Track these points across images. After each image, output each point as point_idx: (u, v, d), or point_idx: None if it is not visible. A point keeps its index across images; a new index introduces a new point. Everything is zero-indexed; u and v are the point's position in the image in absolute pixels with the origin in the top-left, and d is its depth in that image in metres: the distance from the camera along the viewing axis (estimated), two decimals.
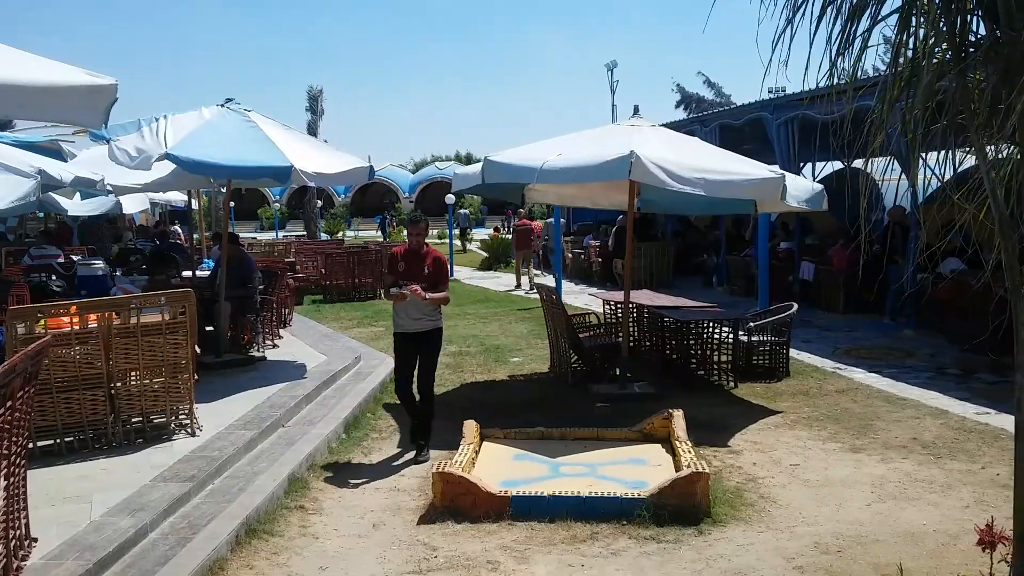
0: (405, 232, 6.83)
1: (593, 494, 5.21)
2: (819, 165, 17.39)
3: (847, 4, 2.73)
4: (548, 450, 6.24)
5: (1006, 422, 6.84)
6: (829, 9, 2.82)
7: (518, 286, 18.63)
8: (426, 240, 6.62)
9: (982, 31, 2.80)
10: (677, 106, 56.48)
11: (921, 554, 4.59)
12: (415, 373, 6.52)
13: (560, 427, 6.68)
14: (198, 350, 7.72)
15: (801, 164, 14.17)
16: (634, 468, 5.91)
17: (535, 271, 19.08)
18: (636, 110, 8.74)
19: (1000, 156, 2.94)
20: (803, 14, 2.83)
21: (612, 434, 6.57)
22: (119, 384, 6.08)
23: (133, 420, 6.21)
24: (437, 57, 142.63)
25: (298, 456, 6.09)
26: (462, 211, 34.81)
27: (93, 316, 5.98)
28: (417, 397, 6.52)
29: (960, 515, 5.13)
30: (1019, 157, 2.79)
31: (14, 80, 3.50)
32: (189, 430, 6.38)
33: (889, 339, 11.17)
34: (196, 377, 6.68)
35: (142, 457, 5.82)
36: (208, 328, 9.10)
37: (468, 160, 65.02)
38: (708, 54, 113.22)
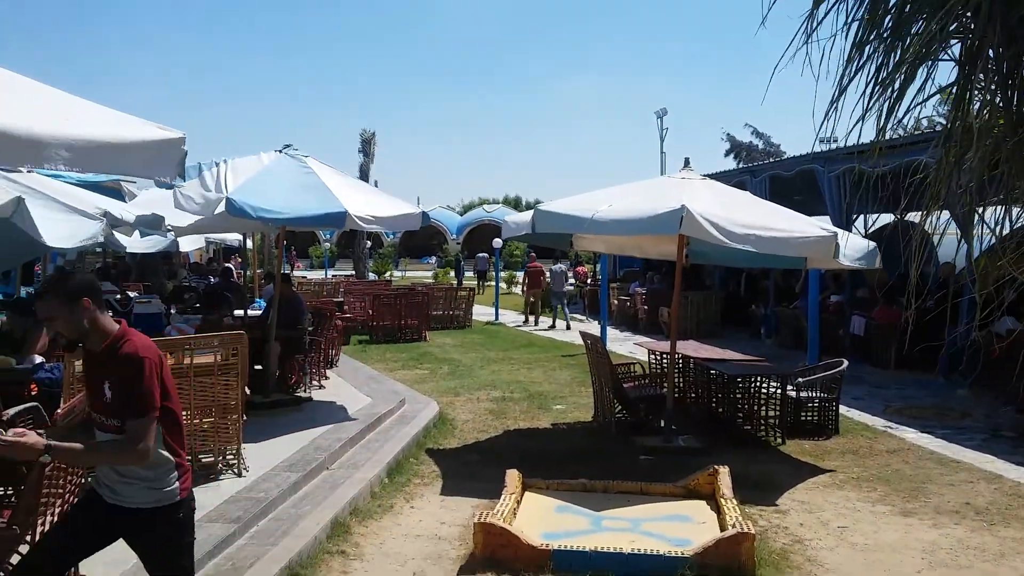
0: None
1: (636, 551, 5.15)
2: (871, 216, 17.22)
3: (897, 79, 2.75)
4: (590, 503, 6.19)
5: None
6: (874, 87, 2.84)
7: (526, 321, 20.91)
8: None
9: None
10: (727, 155, 56.59)
11: None
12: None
13: (603, 479, 6.63)
14: (247, 391, 7.86)
15: (853, 216, 14.03)
16: (678, 525, 5.83)
17: (577, 316, 19.29)
18: (687, 162, 8.74)
19: None
20: (851, 82, 2.87)
21: (656, 489, 6.50)
22: None
23: None
24: (487, 101, 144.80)
25: (341, 500, 6.14)
26: (480, 255, 34.18)
27: None
28: None
29: None
30: None
31: (90, 136, 3.67)
32: (236, 470, 6.48)
33: (942, 399, 10.90)
34: (244, 418, 6.79)
35: None
36: (257, 367, 9.26)
37: (516, 203, 65.58)
38: (756, 104, 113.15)
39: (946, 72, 2.85)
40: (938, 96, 2.91)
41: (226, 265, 22.44)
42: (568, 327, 19.28)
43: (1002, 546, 5.65)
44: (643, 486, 6.52)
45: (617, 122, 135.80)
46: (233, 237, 19.00)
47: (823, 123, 2.88)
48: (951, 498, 6.70)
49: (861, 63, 2.85)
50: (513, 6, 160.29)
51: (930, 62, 2.83)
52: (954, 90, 2.76)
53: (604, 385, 8.98)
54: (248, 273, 18.12)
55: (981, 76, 2.75)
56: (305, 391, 9.88)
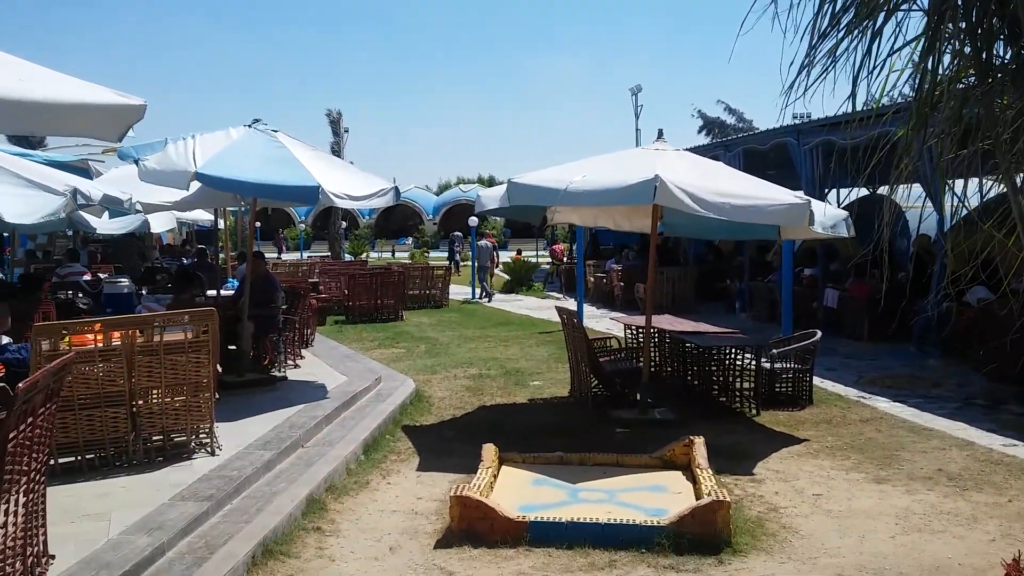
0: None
1: (612, 521, 5.15)
2: (844, 191, 17.31)
3: (869, 29, 2.71)
4: (567, 475, 6.19)
5: None
6: (847, 36, 2.79)
7: (482, 295, 21.78)
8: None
9: (1008, 55, 2.78)
10: (699, 131, 56.71)
11: None
12: None
13: (579, 452, 6.63)
14: (220, 369, 7.76)
15: (826, 190, 14.10)
16: (654, 495, 5.84)
17: (554, 294, 19.40)
18: (660, 134, 8.71)
19: None
20: (823, 39, 2.82)
21: (632, 460, 6.51)
22: (140, 402, 6.11)
23: (154, 438, 6.24)
24: (461, 81, 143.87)
25: (316, 477, 6.08)
26: (456, 233, 34.10)
27: (117, 333, 6.04)
28: None
29: (986, 548, 5.01)
30: None
31: (47, 98, 3.56)
32: (209, 449, 6.40)
33: (914, 368, 11.01)
34: (217, 396, 6.71)
35: (161, 475, 5.84)
36: (231, 347, 9.16)
37: (491, 182, 65.33)
38: (728, 81, 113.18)
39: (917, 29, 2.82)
40: (908, 70, 2.87)
41: (200, 246, 22.20)
42: (489, 299, 21.30)
43: (975, 510, 5.71)
44: (619, 458, 6.53)
45: (592, 100, 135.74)
46: (205, 218, 18.77)
47: (794, 83, 2.84)
48: (924, 465, 6.76)
49: (835, 11, 2.81)
50: None
51: (900, 12, 2.80)
52: (923, 41, 2.72)
53: (580, 360, 8.97)
54: (222, 255, 17.90)
55: (950, 25, 2.72)
56: (280, 370, 9.79)
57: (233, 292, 11.24)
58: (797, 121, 13.87)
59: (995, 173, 2.90)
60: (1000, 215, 2.96)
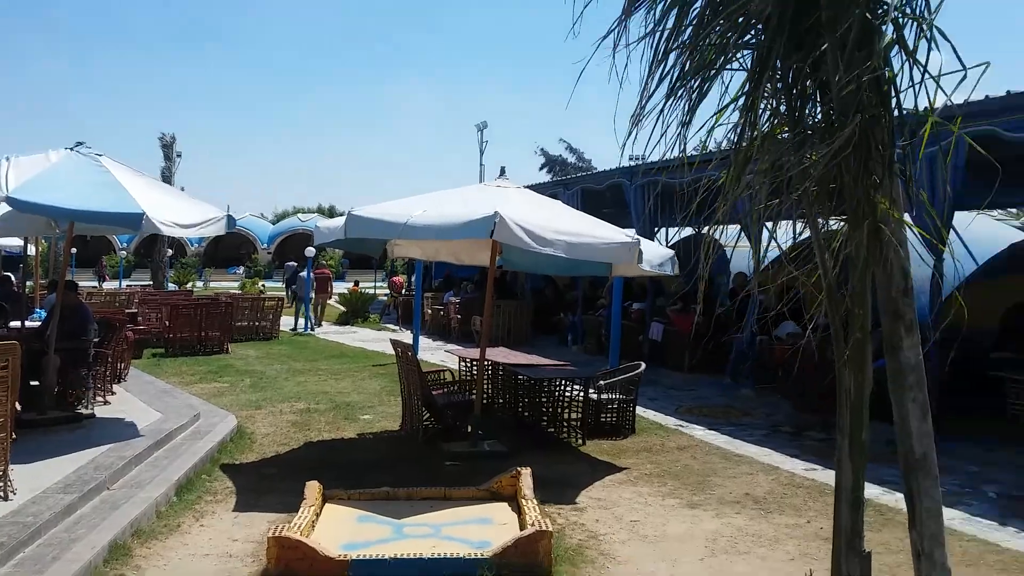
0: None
1: (436, 555, 5.13)
2: (672, 230, 18.24)
3: (695, 95, 2.94)
4: (393, 511, 6.11)
5: (831, 477, 7.19)
6: (671, 99, 3.00)
7: (318, 325, 22.18)
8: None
9: (819, 115, 3.05)
10: (541, 168, 58.43)
11: None
12: None
13: (407, 487, 6.57)
14: (19, 407, 7.14)
15: (656, 229, 14.82)
16: (479, 528, 5.86)
17: (390, 326, 19.22)
18: (503, 171, 9.05)
19: (830, 228, 3.17)
20: (651, 98, 3.02)
21: (460, 493, 6.51)
22: None
23: None
24: (303, 107, 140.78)
25: (122, 521, 5.68)
26: (289, 263, 33.20)
27: None
28: None
29: (785, 567, 5.36)
30: (846, 230, 3.00)
31: None
32: (2, 493, 5.85)
33: (729, 398, 11.70)
34: (14, 436, 6.15)
35: None
36: (33, 383, 8.45)
37: (331, 213, 64.32)
38: (570, 119, 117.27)
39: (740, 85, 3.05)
40: (733, 120, 3.09)
41: (5, 274, 20.41)
42: (311, 329, 21.48)
43: (776, 532, 6.09)
44: (447, 491, 6.51)
45: (440, 136, 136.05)
46: (13, 243, 17.33)
47: (630, 132, 3.01)
48: (733, 489, 7.17)
49: (664, 71, 3.00)
50: (331, 10, 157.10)
51: (725, 71, 3.02)
52: (744, 99, 2.95)
53: (413, 393, 8.92)
54: (30, 283, 16.55)
55: (768, 85, 2.96)
56: (87, 407, 9.11)
57: (40, 323, 10.40)
58: (633, 163, 14.51)
59: (804, 219, 3.15)
60: (805, 257, 3.20)
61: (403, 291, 25.62)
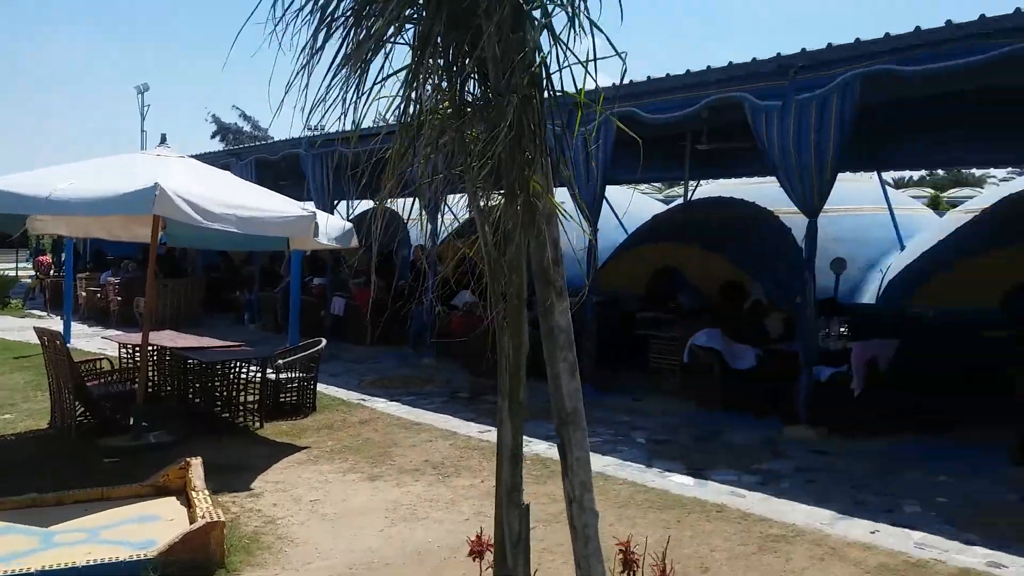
0: None
1: (92, 562, 4.66)
2: (355, 203, 18.14)
3: (359, 67, 2.87)
4: (40, 519, 5.43)
5: None
6: (338, 70, 2.91)
7: None
8: None
9: (479, 92, 3.12)
10: (213, 136, 55.16)
11: (425, 571, 4.91)
12: None
13: (57, 491, 5.88)
14: None
15: (336, 201, 14.64)
16: (144, 527, 5.42)
17: (36, 312, 17.14)
18: (164, 139, 8.43)
19: (490, 203, 3.28)
20: (319, 61, 2.91)
21: (120, 492, 5.96)
22: None
23: None
24: None
25: None
26: None
27: None
28: None
29: (462, 528, 5.57)
30: (504, 204, 3.12)
31: None
32: None
33: (411, 368, 11.97)
34: None
35: None
36: None
37: None
38: (244, 86, 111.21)
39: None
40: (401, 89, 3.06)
41: None
42: None
43: (454, 494, 6.34)
44: (105, 491, 5.94)
45: (95, 94, 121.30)
46: None
47: (296, 102, 2.86)
48: (413, 458, 7.34)
49: (327, 41, 2.89)
50: None
51: (390, 45, 2.98)
52: (408, 73, 2.94)
53: (64, 386, 8.00)
54: None
55: (430, 61, 2.97)
56: None
57: None
58: (311, 133, 14.15)
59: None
60: (473, 228, 3.30)
61: (51, 272, 22.82)
